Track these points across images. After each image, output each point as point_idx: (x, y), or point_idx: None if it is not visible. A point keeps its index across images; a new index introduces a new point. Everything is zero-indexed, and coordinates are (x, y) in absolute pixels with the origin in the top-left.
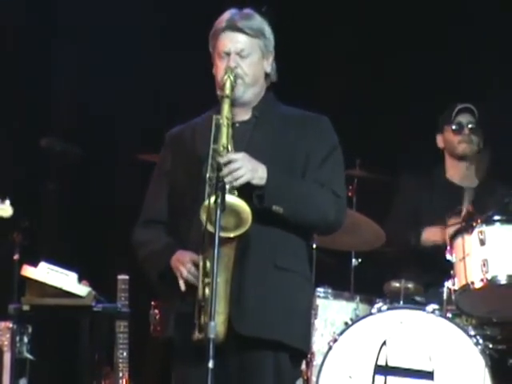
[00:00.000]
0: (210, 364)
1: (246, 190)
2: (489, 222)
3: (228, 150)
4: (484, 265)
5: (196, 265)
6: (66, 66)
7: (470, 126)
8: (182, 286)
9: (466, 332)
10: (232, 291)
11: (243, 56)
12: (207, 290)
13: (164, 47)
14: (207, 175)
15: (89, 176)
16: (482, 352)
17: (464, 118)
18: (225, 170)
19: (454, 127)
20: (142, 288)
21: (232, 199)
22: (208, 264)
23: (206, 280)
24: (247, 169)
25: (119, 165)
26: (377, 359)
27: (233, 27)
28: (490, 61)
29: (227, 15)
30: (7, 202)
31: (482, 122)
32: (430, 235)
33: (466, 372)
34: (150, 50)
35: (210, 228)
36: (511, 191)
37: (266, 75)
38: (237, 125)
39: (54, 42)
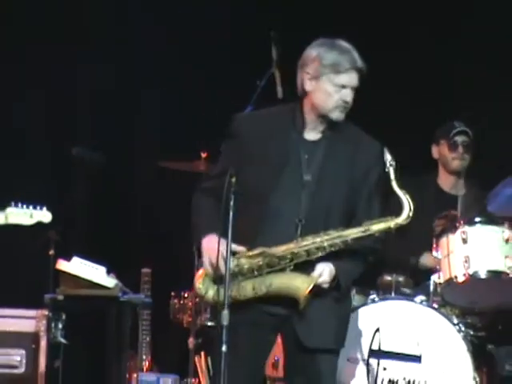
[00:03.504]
0: (224, 348)
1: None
2: (470, 223)
3: None
4: (466, 261)
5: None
6: (90, 80)
7: (464, 145)
8: (210, 270)
9: (450, 320)
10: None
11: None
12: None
13: (185, 60)
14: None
15: (115, 181)
16: (465, 338)
17: (460, 138)
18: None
19: (449, 144)
20: (162, 280)
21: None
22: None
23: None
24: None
25: (141, 171)
26: (371, 344)
27: (356, 69)
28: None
29: (349, 55)
30: (44, 208)
31: (474, 142)
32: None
33: (450, 356)
34: (171, 63)
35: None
36: (488, 196)
37: None
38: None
39: (79, 56)
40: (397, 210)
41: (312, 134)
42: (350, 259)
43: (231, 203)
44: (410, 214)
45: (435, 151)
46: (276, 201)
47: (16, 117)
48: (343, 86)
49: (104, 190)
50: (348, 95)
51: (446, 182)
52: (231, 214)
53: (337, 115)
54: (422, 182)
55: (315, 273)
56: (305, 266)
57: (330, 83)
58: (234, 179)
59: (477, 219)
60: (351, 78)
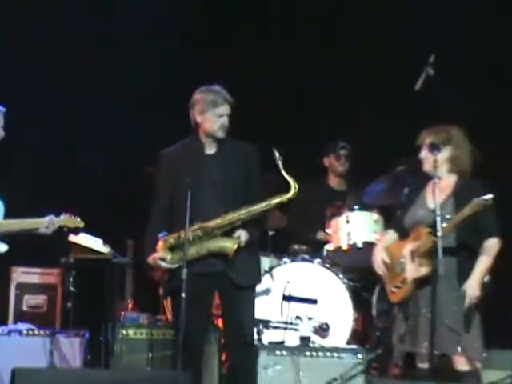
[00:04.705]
0: (183, 295)
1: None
2: (351, 209)
3: None
4: (348, 235)
5: (162, 259)
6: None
7: (345, 156)
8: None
9: (337, 276)
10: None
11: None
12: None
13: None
14: None
15: (113, 183)
16: (347, 288)
17: (342, 151)
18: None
19: (336, 156)
20: (141, 248)
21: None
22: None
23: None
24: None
25: (131, 175)
26: (284, 291)
27: (228, 102)
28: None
29: (221, 94)
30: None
31: (352, 153)
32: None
33: (337, 300)
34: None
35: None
36: (364, 191)
37: None
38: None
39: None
40: (286, 189)
41: (210, 150)
42: (253, 226)
43: (188, 196)
44: (296, 191)
45: (326, 161)
46: (201, 196)
47: (34, 130)
48: (221, 115)
49: (102, 188)
50: (225, 121)
51: (334, 182)
52: (189, 203)
53: (220, 135)
54: (317, 183)
55: (236, 235)
56: (227, 232)
57: (212, 115)
58: (190, 179)
59: (355, 207)
60: (225, 109)
